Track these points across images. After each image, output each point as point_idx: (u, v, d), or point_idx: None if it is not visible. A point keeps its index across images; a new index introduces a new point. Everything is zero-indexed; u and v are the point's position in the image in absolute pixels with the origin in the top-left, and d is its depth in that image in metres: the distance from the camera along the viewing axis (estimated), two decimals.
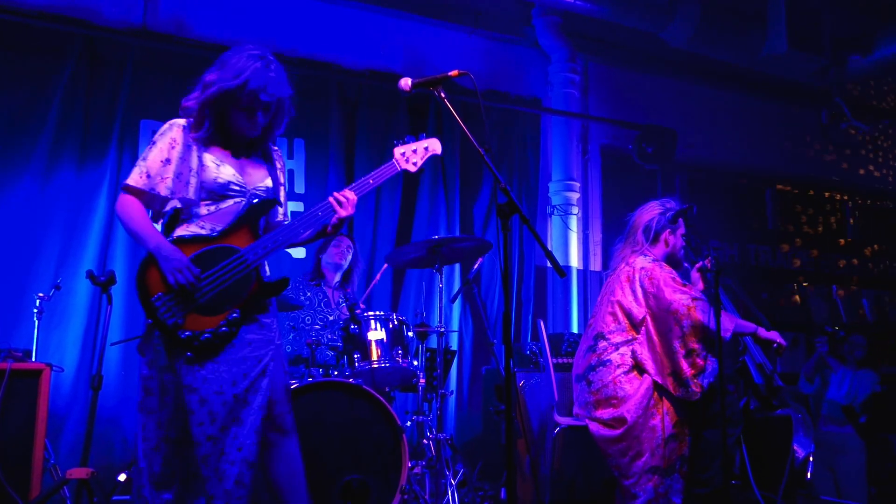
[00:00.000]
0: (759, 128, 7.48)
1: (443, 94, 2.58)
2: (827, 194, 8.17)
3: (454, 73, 2.60)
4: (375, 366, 3.77)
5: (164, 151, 2.48)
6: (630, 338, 3.48)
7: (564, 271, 2.43)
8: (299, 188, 5.43)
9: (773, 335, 3.45)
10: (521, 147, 6.22)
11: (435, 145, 2.78)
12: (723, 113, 7.26)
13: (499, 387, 4.53)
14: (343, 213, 2.56)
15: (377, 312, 3.92)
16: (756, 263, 7.52)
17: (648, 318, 3.45)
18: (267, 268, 2.59)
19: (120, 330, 4.57)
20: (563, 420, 3.78)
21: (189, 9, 5.25)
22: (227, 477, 2.36)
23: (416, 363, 3.96)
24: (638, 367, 3.44)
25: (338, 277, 4.57)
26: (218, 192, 2.50)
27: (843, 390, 5.93)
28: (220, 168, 2.51)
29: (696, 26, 6.12)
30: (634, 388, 3.40)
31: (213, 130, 2.52)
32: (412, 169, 2.74)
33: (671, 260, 3.64)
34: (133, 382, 4.61)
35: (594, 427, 3.46)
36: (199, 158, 2.49)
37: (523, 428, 4.10)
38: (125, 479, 3.65)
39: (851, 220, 8.33)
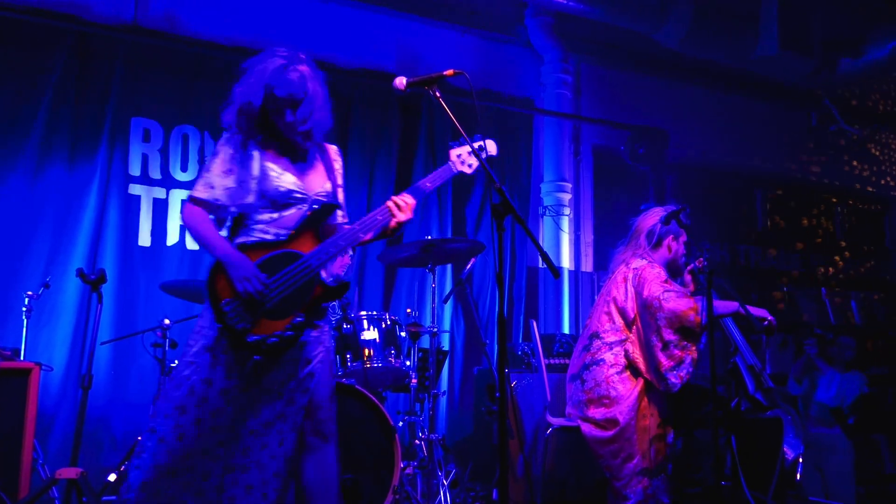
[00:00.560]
0: (750, 129, 7.51)
1: (438, 94, 2.58)
2: (816, 196, 8.22)
3: (449, 72, 2.60)
4: (368, 366, 3.76)
5: (225, 162, 2.53)
6: (624, 337, 3.50)
7: (559, 271, 2.44)
8: None
9: (762, 312, 3.45)
10: (513, 147, 6.22)
11: (491, 147, 2.75)
12: (714, 114, 7.28)
13: (490, 387, 4.53)
14: (402, 217, 2.59)
15: (370, 312, 3.91)
16: (746, 264, 7.55)
17: (638, 317, 3.48)
18: (324, 272, 2.60)
19: (109, 329, 4.54)
20: (556, 421, 3.78)
21: (181, 5, 5.21)
22: (267, 468, 2.44)
23: (408, 363, 3.95)
24: (631, 366, 3.46)
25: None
26: (280, 199, 2.54)
27: (832, 392, 5.97)
28: (282, 176, 2.55)
29: (688, 27, 6.13)
30: (628, 390, 3.42)
31: (264, 137, 2.56)
32: (468, 171, 2.75)
33: (672, 266, 3.66)
34: (122, 382, 4.62)
35: (586, 428, 3.47)
36: (262, 167, 2.54)
37: (516, 428, 4.09)
38: (115, 479, 3.63)
39: (840, 222, 8.38)
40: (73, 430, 4.25)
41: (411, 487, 3.84)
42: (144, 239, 4.85)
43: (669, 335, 3.34)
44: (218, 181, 2.51)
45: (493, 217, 2.36)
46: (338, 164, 2.75)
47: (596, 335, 3.54)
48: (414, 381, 4.01)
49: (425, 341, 4.31)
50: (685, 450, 3.60)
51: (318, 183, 2.63)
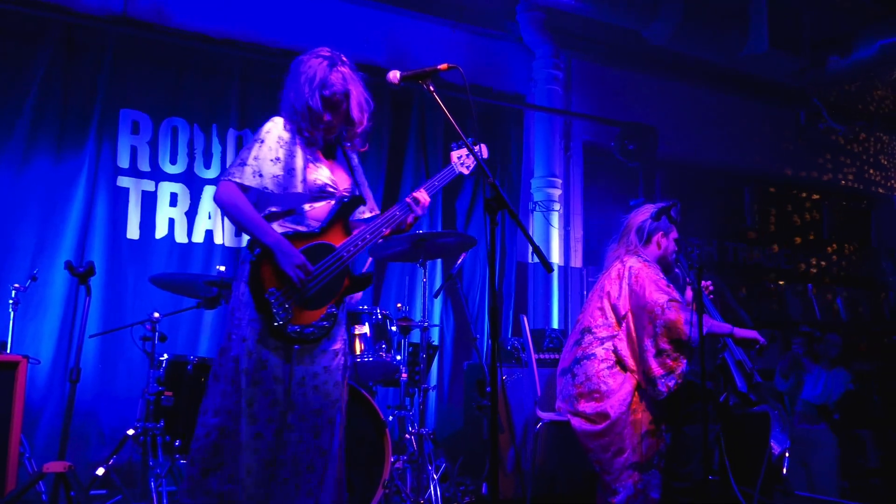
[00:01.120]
0: (739, 127, 7.55)
1: (432, 88, 2.59)
2: (804, 194, 8.28)
3: (443, 66, 2.60)
4: (359, 360, 3.75)
5: (272, 149, 2.57)
6: (614, 333, 3.52)
7: (551, 266, 2.45)
8: None
9: (753, 333, 3.50)
10: (504, 143, 6.22)
11: (482, 150, 2.91)
12: (703, 111, 7.31)
13: (481, 382, 4.53)
14: (419, 211, 2.71)
15: (361, 307, 3.90)
16: (734, 260, 7.60)
17: (629, 315, 3.50)
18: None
19: (97, 322, 4.50)
20: (546, 415, 3.79)
21: None
22: (301, 461, 2.50)
23: (398, 358, 3.95)
24: (620, 362, 3.47)
25: None
26: (316, 192, 2.62)
27: (818, 390, 6.02)
28: (318, 170, 2.63)
29: (678, 25, 6.15)
30: (618, 384, 3.43)
31: (305, 134, 2.62)
32: (466, 172, 2.89)
33: (662, 262, 3.68)
34: (110, 376, 4.59)
35: (576, 422, 3.48)
36: (305, 160, 2.61)
37: (506, 423, 4.10)
38: (104, 473, 3.61)
39: (827, 220, 8.44)
40: (60, 423, 4.23)
41: (401, 482, 3.84)
42: (133, 232, 4.81)
43: (665, 344, 3.36)
44: (266, 168, 2.54)
45: (487, 211, 2.37)
46: (355, 162, 2.84)
47: (588, 330, 3.56)
48: (404, 375, 4.00)
49: (415, 336, 4.31)
50: (674, 445, 3.61)
51: (344, 179, 2.72)
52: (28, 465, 3.76)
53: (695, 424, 3.48)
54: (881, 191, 8.62)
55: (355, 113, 2.66)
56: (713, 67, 6.87)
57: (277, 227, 2.57)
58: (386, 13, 5.93)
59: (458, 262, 4.41)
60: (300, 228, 2.58)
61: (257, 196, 2.60)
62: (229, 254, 5.04)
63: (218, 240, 5.03)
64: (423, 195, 2.72)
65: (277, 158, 2.56)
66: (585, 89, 6.72)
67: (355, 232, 2.62)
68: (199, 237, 4.98)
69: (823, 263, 8.20)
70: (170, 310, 4.13)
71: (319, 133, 2.63)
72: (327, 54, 2.64)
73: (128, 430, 3.78)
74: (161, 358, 3.81)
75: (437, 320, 5.58)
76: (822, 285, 8.05)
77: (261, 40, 5.35)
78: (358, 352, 3.79)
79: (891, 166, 8.70)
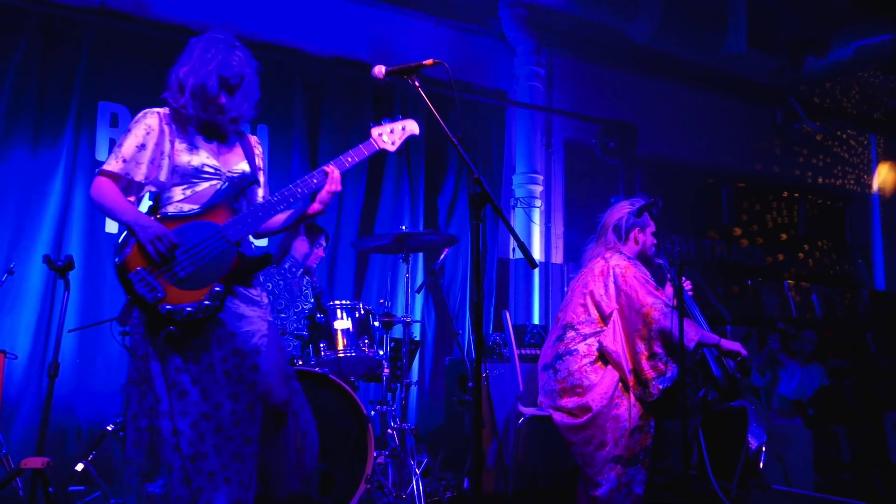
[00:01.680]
0: (717, 125, 7.63)
1: (417, 83, 2.57)
2: (780, 192, 8.39)
3: (429, 62, 2.59)
4: (341, 355, 3.74)
5: (138, 137, 2.52)
6: (598, 329, 3.53)
7: (536, 262, 2.45)
8: None
9: (736, 346, 3.56)
10: (486, 139, 6.23)
11: (412, 126, 2.80)
12: (683, 110, 7.38)
13: (462, 377, 4.54)
14: (329, 187, 2.58)
15: (343, 301, 3.89)
16: (711, 258, 7.68)
17: (616, 314, 3.52)
18: (253, 244, 2.60)
19: (75, 316, 4.45)
20: (527, 410, 3.81)
21: None
22: (224, 451, 2.38)
23: (381, 353, 3.95)
24: (603, 357, 3.49)
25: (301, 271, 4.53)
26: (192, 175, 2.53)
27: (793, 385, 6.11)
28: (194, 152, 2.54)
29: (658, 23, 6.20)
30: (600, 378, 3.45)
31: (189, 118, 2.55)
32: (391, 148, 2.76)
33: (642, 257, 3.71)
34: (88, 371, 4.54)
35: (558, 417, 3.50)
36: (172, 143, 2.53)
37: (488, 418, 4.12)
38: (82, 469, 3.57)
39: (803, 218, 8.57)
40: (37, 419, 4.19)
41: (383, 477, 3.84)
42: (111, 226, 4.75)
43: (658, 348, 3.40)
44: (130, 155, 2.49)
45: (472, 207, 2.36)
46: (258, 150, 2.75)
47: (570, 326, 3.57)
48: (386, 370, 4.01)
49: (397, 331, 4.31)
50: (654, 439, 3.64)
51: (234, 161, 2.63)
52: (4, 461, 3.71)
53: (674, 419, 3.52)
54: (858, 188, 8.76)
55: (250, 96, 2.60)
56: (693, 66, 6.94)
57: (158, 214, 2.49)
58: (369, 8, 5.91)
59: (441, 257, 4.42)
60: (175, 210, 2.49)
61: (139, 187, 2.52)
62: None
63: None
64: (330, 168, 2.60)
65: (142, 145, 2.50)
66: (567, 86, 6.75)
67: (244, 211, 2.54)
68: None
69: (802, 256, 8.31)
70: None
71: (207, 114, 2.55)
72: (223, 36, 2.58)
73: (107, 425, 3.75)
74: None
75: (418, 316, 5.59)
76: (798, 282, 8.17)
77: (242, 33, 5.24)
78: (341, 347, 3.78)
79: (865, 165, 8.84)
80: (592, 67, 6.91)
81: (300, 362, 3.73)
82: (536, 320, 6.11)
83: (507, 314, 4.27)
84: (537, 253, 6.30)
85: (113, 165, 2.48)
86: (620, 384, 3.44)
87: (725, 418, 4.58)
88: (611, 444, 3.37)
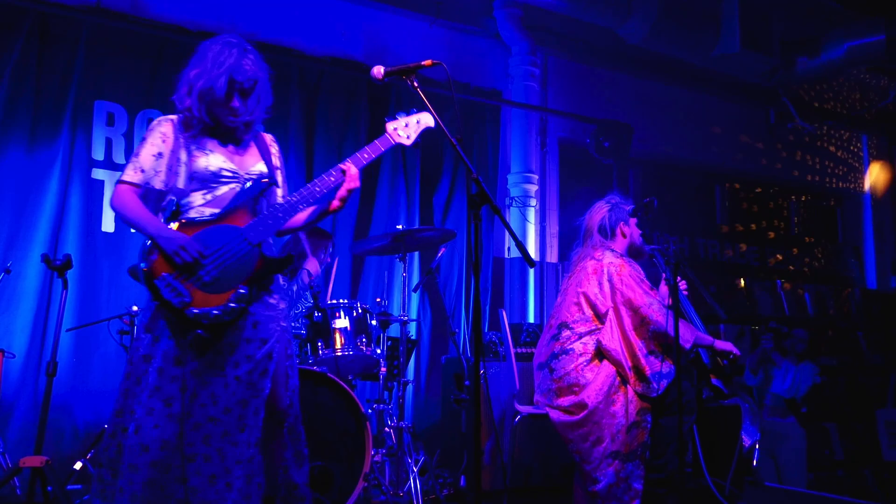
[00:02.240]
0: (711, 125, 7.68)
1: (416, 84, 2.59)
2: (773, 191, 8.44)
3: (427, 62, 2.62)
4: (339, 354, 3.76)
5: (155, 146, 2.54)
6: (594, 328, 3.55)
7: (534, 261, 2.48)
8: None
9: (728, 346, 3.61)
10: (481, 138, 6.25)
11: (427, 118, 2.79)
12: (676, 110, 7.42)
13: (458, 376, 4.56)
14: (349, 184, 2.62)
15: (341, 301, 3.91)
16: (705, 257, 7.73)
17: (612, 312, 3.54)
18: (272, 246, 2.62)
19: (72, 315, 4.45)
20: (524, 408, 3.84)
21: None
22: (229, 456, 2.40)
23: (378, 351, 3.97)
24: (599, 355, 3.52)
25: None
26: (210, 180, 2.55)
27: (787, 384, 6.15)
28: (210, 157, 2.56)
29: (652, 24, 6.23)
30: (595, 375, 3.48)
31: (203, 123, 2.57)
32: (406, 142, 2.77)
33: (633, 250, 3.74)
34: (85, 370, 4.54)
35: (555, 414, 3.53)
36: (188, 150, 2.55)
37: (485, 416, 4.14)
38: (80, 468, 3.58)
39: (795, 217, 8.62)
40: (34, 418, 4.20)
41: (381, 474, 3.87)
42: (108, 225, 4.76)
43: (655, 346, 3.47)
44: (148, 164, 2.52)
45: (470, 207, 2.39)
46: (274, 149, 2.76)
47: (565, 325, 3.59)
48: (383, 369, 4.03)
49: (394, 330, 4.33)
50: (649, 436, 3.68)
51: (251, 163, 2.65)
52: (2, 459, 3.71)
53: (670, 416, 3.55)
54: (850, 187, 8.81)
55: (262, 99, 2.62)
56: (687, 66, 6.97)
57: (178, 221, 2.51)
58: (364, 7, 5.93)
59: (437, 256, 4.44)
60: (196, 216, 2.52)
61: (157, 194, 2.55)
62: None
63: None
64: (347, 166, 2.64)
65: (160, 154, 2.53)
66: (562, 86, 6.78)
67: (265, 212, 2.56)
68: None
69: (791, 256, 8.37)
70: (144, 304, 4.08)
71: (219, 118, 2.57)
72: (235, 40, 2.59)
73: (104, 424, 3.75)
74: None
75: (415, 315, 5.61)
76: (790, 281, 8.22)
77: (238, 32, 5.30)
78: (338, 346, 3.80)
79: (857, 164, 8.90)
80: (587, 67, 6.95)
81: (298, 361, 3.74)
82: (532, 319, 6.13)
83: (504, 313, 4.29)
84: (532, 252, 6.33)
85: (132, 175, 2.51)
86: (618, 379, 3.47)
87: (720, 416, 4.62)
88: (607, 439, 3.40)
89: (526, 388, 4.00)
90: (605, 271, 3.57)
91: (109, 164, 4.83)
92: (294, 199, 2.58)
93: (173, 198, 2.56)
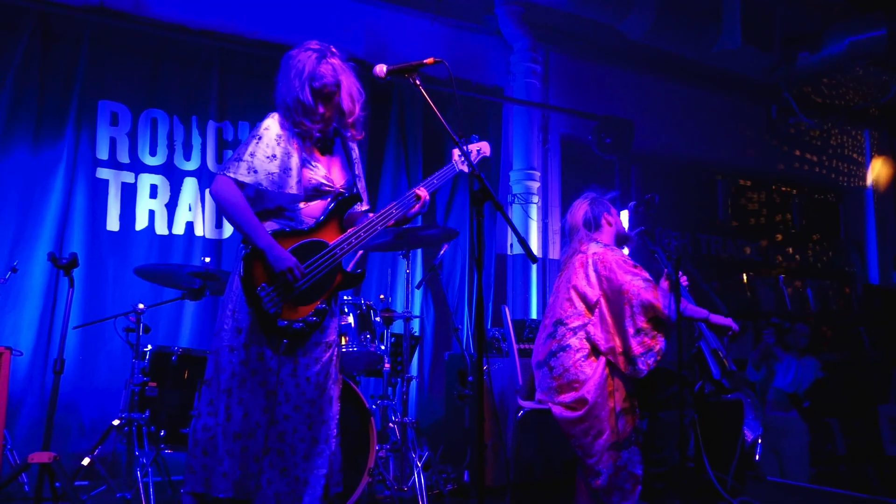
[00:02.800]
0: (712, 121, 7.68)
1: (418, 82, 2.62)
2: (774, 187, 8.44)
3: (429, 60, 2.64)
4: (344, 350, 3.79)
5: (270, 147, 2.59)
6: (586, 321, 3.57)
7: (536, 257, 2.50)
8: None
9: (727, 321, 3.62)
10: (482, 136, 6.23)
11: (486, 148, 3.07)
12: (678, 106, 7.43)
13: (462, 372, 4.59)
14: (418, 209, 2.83)
15: (345, 298, 3.93)
16: (707, 253, 7.74)
17: (602, 300, 3.56)
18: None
19: (77, 314, 4.48)
20: (526, 404, 3.86)
21: None
22: (298, 451, 2.56)
23: (382, 348, 3.99)
24: (594, 348, 3.54)
25: None
26: (311, 191, 2.65)
27: (789, 378, 6.17)
28: (314, 168, 2.66)
29: (652, 20, 6.24)
30: (593, 370, 3.50)
31: (305, 132, 2.65)
32: (466, 170, 2.92)
33: (620, 238, 3.78)
34: (90, 367, 4.58)
35: (557, 410, 3.55)
36: (301, 158, 2.63)
37: (488, 412, 4.16)
38: (88, 464, 3.61)
39: (797, 213, 8.63)
40: (41, 415, 4.24)
41: (385, 470, 3.89)
42: (113, 223, 4.79)
43: (642, 323, 3.44)
44: (262, 166, 2.57)
45: (473, 204, 2.41)
46: (355, 154, 2.86)
47: (560, 322, 3.61)
48: (387, 365, 4.06)
49: (398, 326, 4.36)
50: (650, 430, 3.70)
51: (341, 175, 2.75)
52: (10, 456, 3.74)
53: (671, 410, 3.57)
54: (852, 182, 8.82)
55: (346, 103, 2.68)
56: (688, 62, 6.98)
57: (271, 224, 2.62)
58: (365, 5, 5.94)
59: (441, 253, 4.46)
60: (293, 226, 2.62)
61: (254, 192, 2.62)
62: (210, 245, 5.03)
63: (199, 231, 5.02)
64: (422, 192, 2.80)
65: (273, 156, 2.58)
66: (563, 83, 6.79)
67: (350, 230, 2.67)
68: (179, 229, 4.97)
69: (793, 253, 8.37)
70: (150, 301, 4.12)
71: (314, 127, 2.64)
72: (316, 47, 2.67)
73: (111, 421, 3.78)
74: (145, 349, 3.81)
75: (418, 311, 5.63)
76: (792, 277, 8.23)
77: (239, 31, 5.34)
78: (343, 342, 3.82)
79: (859, 160, 8.90)
80: (588, 64, 6.96)
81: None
82: (535, 315, 6.16)
83: (507, 309, 4.31)
84: (535, 248, 6.35)
85: (243, 174, 2.55)
86: (611, 371, 3.50)
87: (721, 411, 4.64)
88: (608, 431, 3.42)
89: (528, 383, 4.02)
90: (591, 262, 3.60)
91: (114, 163, 4.85)
92: (375, 219, 2.71)
93: (276, 199, 2.63)
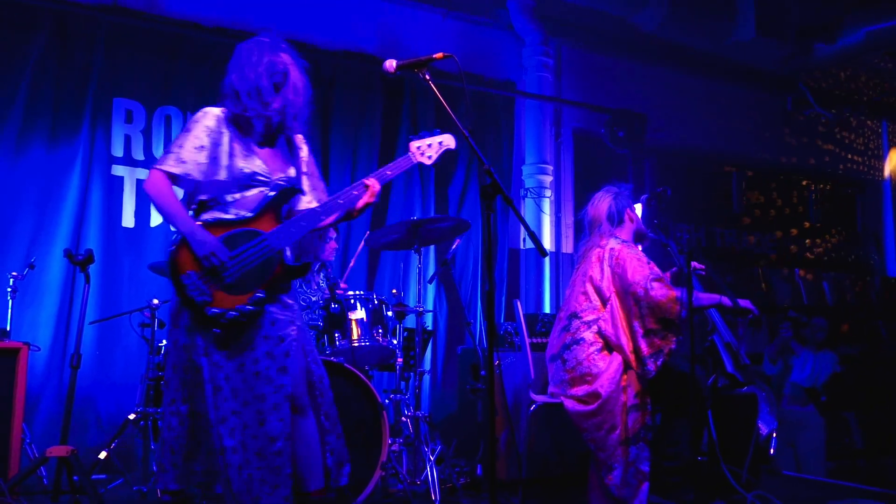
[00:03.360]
0: (727, 113, 7.62)
1: (428, 77, 2.62)
2: (790, 179, 8.37)
3: (439, 55, 2.64)
4: (356, 345, 3.80)
5: (198, 138, 2.60)
6: (600, 315, 3.56)
7: (546, 251, 2.50)
8: None
9: (745, 302, 3.59)
10: (495, 130, 6.27)
11: (449, 141, 2.91)
12: (691, 98, 7.38)
13: (475, 366, 4.60)
14: (367, 198, 2.72)
15: (357, 292, 3.95)
16: (722, 246, 7.69)
17: (614, 296, 3.55)
18: (289, 251, 2.68)
19: (94, 309, 4.54)
20: (539, 398, 3.86)
21: None
22: (250, 448, 2.51)
23: (394, 342, 4.01)
24: (607, 342, 3.53)
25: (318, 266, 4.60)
26: (244, 181, 2.63)
27: (806, 372, 6.13)
28: (248, 158, 2.64)
29: (666, 11, 6.21)
30: (607, 364, 3.49)
31: (248, 122, 2.64)
32: (427, 162, 2.87)
33: (639, 234, 3.76)
34: (107, 362, 4.63)
35: (569, 404, 3.54)
36: (231, 147, 2.62)
37: (501, 406, 4.17)
38: (105, 457, 3.65)
39: (814, 205, 8.55)
40: (59, 409, 4.29)
41: (398, 464, 3.91)
42: (128, 220, 4.84)
43: (652, 324, 3.43)
44: (190, 157, 2.58)
45: (483, 198, 2.41)
46: (303, 152, 2.82)
47: (575, 315, 3.61)
48: (399, 360, 4.07)
49: (410, 321, 4.37)
50: (664, 424, 3.69)
51: (281, 167, 2.72)
52: (28, 450, 3.80)
53: (683, 416, 3.56)
54: (870, 174, 8.73)
55: (290, 95, 2.66)
56: (701, 54, 6.93)
57: (206, 215, 2.61)
58: (377, 1, 5.95)
59: (453, 247, 4.47)
60: (225, 216, 2.60)
61: (193, 185, 2.62)
62: None
63: None
64: (372, 182, 2.72)
65: (202, 146, 2.59)
66: (575, 76, 6.77)
67: (289, 220, 2.65)
68: None
69: (809, 244, 8.31)
70: (164, 297, 4.14)
71: (262, 119, 2.63)
72: (268, 39, 2.67)
73: (127, 415, 3.83)
74: (160, 344, 3.85)
75: (430, 306, 5.64)
76: (809, 270, 8.16)
77: (252, 28, 5.32)
78: (355, 337, 3.84)
79: (876, 151, 8.81)
80: (601, 57, 6.92)
81: (318, 355, 3.79)
82: (547, 309, 6.15)
83: (519, 303, 4.31)
84: (548, 242, 6.35)
85: (171, 166, 2.57)
86: (625, 367, 3.49)
87: (735, 405, 4.61)
88: (620, 426, 3.42)
89: (541, 377, 4.03)
90: (607, 256, 3.59)
91: (129, 160, 4.90)
92: (318, 209, 2.68)
93: (206, 189, 2.63)
